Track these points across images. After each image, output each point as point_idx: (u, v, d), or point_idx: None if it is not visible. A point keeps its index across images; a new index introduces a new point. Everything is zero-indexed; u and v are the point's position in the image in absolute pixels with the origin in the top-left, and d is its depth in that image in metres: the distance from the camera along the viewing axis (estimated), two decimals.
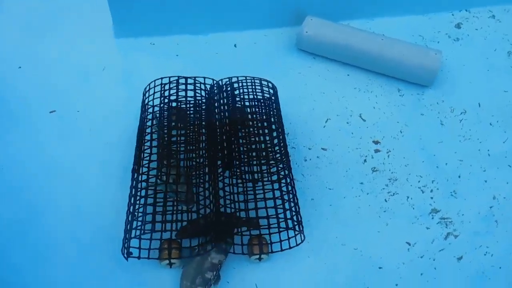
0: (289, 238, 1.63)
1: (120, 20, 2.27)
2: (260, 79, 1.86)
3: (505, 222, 1.77)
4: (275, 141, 1.78)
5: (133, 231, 1.56)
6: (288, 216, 1.63)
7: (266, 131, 1.79)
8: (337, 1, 2.31)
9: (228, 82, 1.88)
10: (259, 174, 1.72)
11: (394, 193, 1.86)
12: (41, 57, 2.18)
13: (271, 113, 1.83)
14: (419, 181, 1.90)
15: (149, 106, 1.86)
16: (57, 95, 2.07)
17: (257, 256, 1.64)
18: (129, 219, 1.58)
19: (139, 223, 1.56)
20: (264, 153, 1.73)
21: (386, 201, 1.84)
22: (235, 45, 2.28)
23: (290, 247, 1.63)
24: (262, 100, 1.87)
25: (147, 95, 1.85)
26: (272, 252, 1.64)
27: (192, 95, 1.85)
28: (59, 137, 1.96)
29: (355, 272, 1.67)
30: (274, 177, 1.73)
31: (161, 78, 1.83)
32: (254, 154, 1.75)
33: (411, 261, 1.69)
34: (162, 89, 1.79)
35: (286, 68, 2.22)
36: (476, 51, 2.29)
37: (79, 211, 1.77)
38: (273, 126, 1.81)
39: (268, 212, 1.65)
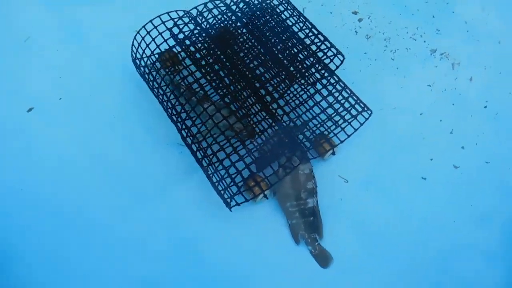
0: (350, 122, 1.70)
1: None
2: None
3: (482, 40, 2.05)
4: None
5: (220, 185, 1.48)
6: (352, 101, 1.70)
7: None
8: None
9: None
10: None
11: (395, 50, 2.00)
12: None
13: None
14: (407, 32, 2.05)
15: (147, 58, 1.64)
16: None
17: (330, 152, 1.68)
18: (211, 177, 1.48)
19: (220, 174, 1.48)
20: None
21: (393, 59, 1.98)
22: None
23: (355, 130, 1.70)
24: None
25: (143, 46, 1.62)
26: (341, 142, 1.70)
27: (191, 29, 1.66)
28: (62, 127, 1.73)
29: (406, 126, 1.81)
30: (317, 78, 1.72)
31: (151, 21, 1.60)
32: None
33: (439, 97, 1.89)
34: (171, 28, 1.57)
35: None
36: None
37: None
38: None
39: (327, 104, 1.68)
